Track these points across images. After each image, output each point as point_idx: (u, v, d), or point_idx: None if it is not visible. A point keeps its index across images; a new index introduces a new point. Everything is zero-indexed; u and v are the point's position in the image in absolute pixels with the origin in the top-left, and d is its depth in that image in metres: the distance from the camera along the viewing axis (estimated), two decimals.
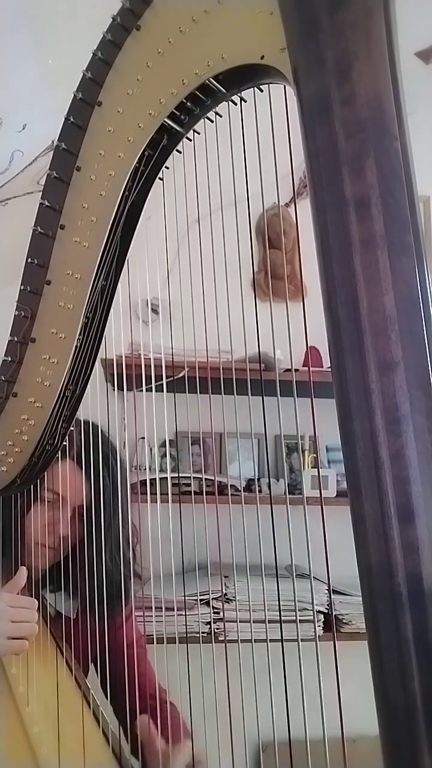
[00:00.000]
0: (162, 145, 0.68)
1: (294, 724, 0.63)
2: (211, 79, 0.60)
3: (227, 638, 1.59)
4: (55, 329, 0.75)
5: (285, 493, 1.78)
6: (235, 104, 0.64)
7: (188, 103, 0.63)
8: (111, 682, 1.01)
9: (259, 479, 1.88)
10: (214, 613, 1.69)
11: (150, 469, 1.80)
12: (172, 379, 0.94)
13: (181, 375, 1.37)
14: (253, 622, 1.47)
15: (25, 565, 0.94)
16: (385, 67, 0.44)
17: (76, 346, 0.77)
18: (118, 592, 1.02)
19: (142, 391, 0.93)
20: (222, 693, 0.77)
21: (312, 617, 1.60)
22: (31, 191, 1.83)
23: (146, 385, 0.91)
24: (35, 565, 1.01)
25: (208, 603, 1.70)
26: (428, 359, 0.42)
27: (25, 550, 0.98)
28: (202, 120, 0.67)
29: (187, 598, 1.65)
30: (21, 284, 0.74)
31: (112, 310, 0.81)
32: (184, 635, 1.59)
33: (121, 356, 0.94)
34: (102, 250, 0.71)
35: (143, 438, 1.85)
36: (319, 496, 1.76)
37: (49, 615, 1.02)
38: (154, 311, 1.73)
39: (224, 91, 0.62)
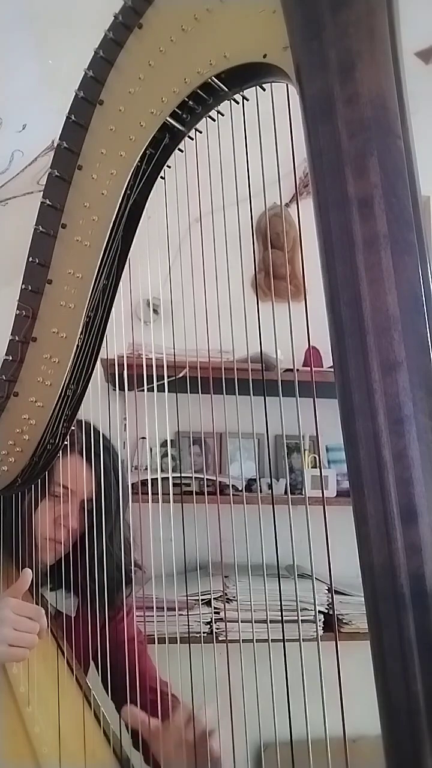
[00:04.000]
0: (164, 144, 0.68)
1: (295, 724, 0.63)
2: (213, 78, 0.60)
3: (227, 638, 1.59)
4: (57, 328, 0.75)
5: (286, 493, 1.77)
6: (237, 103, 0.63)
7: (190, 102, 0.63)
8: (111, 676, 1.01)
9: (259, 479, 1.88)
10: (215, 613, 1.68)
11: (150, 469, 1.80)
12: (172, 379, 0.94)
13: (181, 375, 1.37)
14: (251, 621, 1.47)
15: (33, 561, 0.94)
16: (389, 66, 0.44)
17: (78, 346, 0.77)
18: (120, 581, 1.02)
19: (142, 391, 0.92)
20: (223, 693, 0.77)
21: (312, 617, 1.61)
22: (31, 191, 1.83)
23: (146, 385, 0.91)
24: (43, 560, 1.01)
25: (208, 603, 1.70)
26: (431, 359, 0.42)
27: (32, 546, 0.98)
28: (204, 119, 0.67)
29: (187, 598, 1.65)
30: (22, 283, 0.74)
31: (113, 309, 0.80)
32: (185, 635, 1.59)
33: (122, 356, 0.94)
34: (103, 249, 0.71)
35: (143, 438, 1.85)
36: (318, 495, 1.76)
37: (50, 614, 1.02)
38: (155, 311, 1.73)
39: (226, 89, 0.62)
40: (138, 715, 0.90)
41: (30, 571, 0.87)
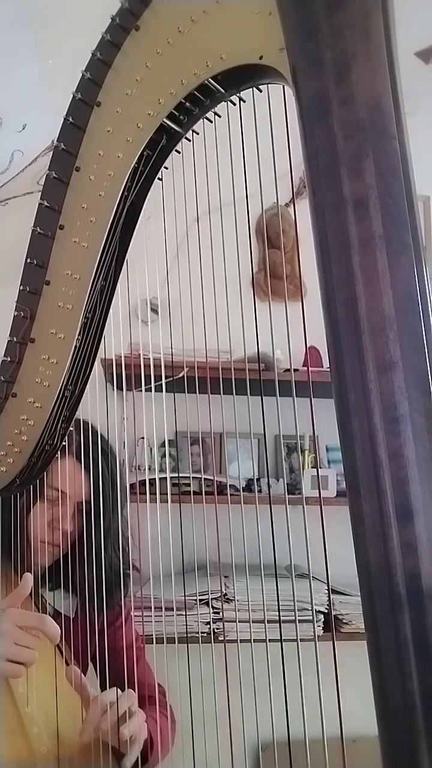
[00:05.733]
0: (161, 146, 0.68)
1: (293, 725, 0.63)
2: (209, 80, 0.60)
3: (227, 638, 1.59)
4: (55, 329, 0.75)
5: (285, 493, 1.77)
6: (234, 104, 0.64)
7: (187, 104, 0.63)
8: (110, 682, 1.01)
9: (258, 479, 1.88)
10: (214, 613, 1.69)
11: (150, 469, 1.80)
12: (172, 379, 0.94)
13: (181, 375, 1.37)
14: (253, 622, 1.47)
15: (29, 563, 0.94)
16: (384, 68, 0.44)
17: (76, 346, 0.77)
18: (117, 581, 1.02)
19: (141, 391, 0.93)
20: (221, 693, 0.77)
21: (311, 617, 1.61)
22: (31, 191, 1.84)
23: (146, 385, 0.91)
24: (39, 562, 1.01)
25: (207, 603, 1.70)
26: (427, 359, 0.42)
27: (28, 549, 0.98)
28: (201, 120, 0.67)
29: (187, 598, 1.65)
30: (20, 284, 0.74)
31: (111, 310, 0.81)
32: (184, 635, 1.59)
33: (121, 356, 0.94)
34: (101, 250, 0.71)
35: (143, 438, 1.85)
36: (318, 496, 1.76)
37: (49, 615, 1.02)
38: (154, 311, 1.73)
39: (223, 91, 0.62)
40: (78, 678, 0.90)
41: (31, 576, 0.86)
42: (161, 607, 1.49)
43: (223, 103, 0.64)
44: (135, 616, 1.16)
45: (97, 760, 0.89)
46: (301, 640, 0.67)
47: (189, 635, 1.61)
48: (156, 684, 1.09)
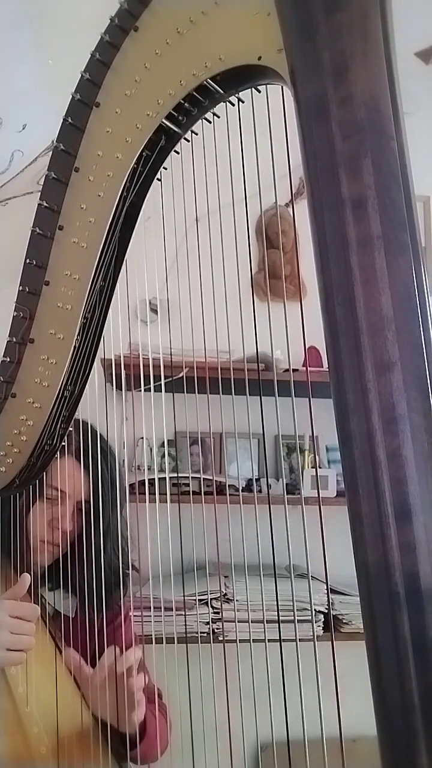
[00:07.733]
0: (160, 146, 0.68)
1: (293, 724, 0.63)
2: (208, 80, 0.60)
3: (226, 638, 1.59)
4: (54, 330, 0.75)
5: (284, 493, 1.77)
6: (233, 105, 0.64)
7: (186, 104, 0.63)
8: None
9: (258, 479, 1.88)
10: (214, 613, 1.69)
11: (150, 469, 1.80)
12: (172, 379, 0.94)
13: (180, 375, 1.37)
14: (252, 622, 1.48)
15: (29, 563, 0.94)
16: (382, 68, 0.44)
17: (75, 347, 0.77)
18: (117, 581, 1.02)
19: (141, 391, 0.93)
20: (221, 693, 0.77)
21: (311, 617, 1.61)
22: (31, 191, 1.84)
23: (146, 385, 0.91)
24: (39, 562, 1.01)
25: (207, 603, 1.70)
26: (425, 359, 0.42)
27: (28, 549, 0.98)
28: (200, 121, 0.67)
29: (186, 598, 1.65)
30: (20, 285, 0.74)
31: (111, 310, 0.81)
32: (184, 635, 1.59)
33: (121, 356, 0.94)
34: (100, 250, 0.71)
35: (143, 438, 1.85)
36: (318, 496, 1.76)
37: (48, 615, 1.02)
38: (154, 311, 1.73)
39: (222, 92, 0.62)
40: (77, 660, 0.91)
41: (28, 576, 0.87)
42: (161, 607, 1.48)
43: (222, 103, 0.64)
44: (135, 616, 1.15)
45: (97, 760, 0.90)
46: (301, 640, 0.67)
47: (189, 635, 1.61)
48: (155, 686, 1.09)
